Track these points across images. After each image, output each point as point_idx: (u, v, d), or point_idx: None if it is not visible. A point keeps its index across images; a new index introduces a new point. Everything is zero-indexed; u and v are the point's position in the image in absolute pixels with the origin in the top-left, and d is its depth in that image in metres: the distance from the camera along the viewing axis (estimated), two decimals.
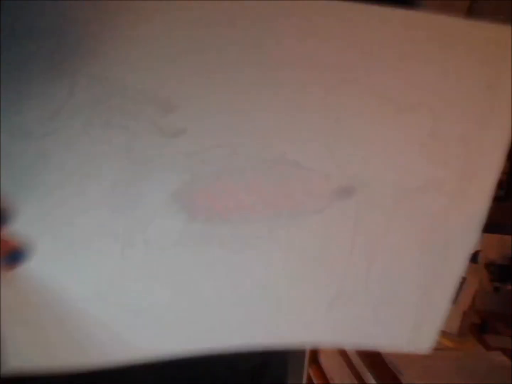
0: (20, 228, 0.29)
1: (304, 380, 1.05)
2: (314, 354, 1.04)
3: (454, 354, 0.83)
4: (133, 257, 0.32)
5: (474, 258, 0.84)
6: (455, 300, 0.75)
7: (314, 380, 1.01)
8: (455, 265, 0.37)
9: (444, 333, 0.85)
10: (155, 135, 0.29)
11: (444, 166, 0.34)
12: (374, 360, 0.79)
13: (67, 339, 0.33)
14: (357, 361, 0.81)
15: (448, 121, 0.33)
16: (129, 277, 0.33)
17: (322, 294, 0.37)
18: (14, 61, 0.26)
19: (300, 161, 0.32)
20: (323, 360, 1.02)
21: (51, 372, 0.32)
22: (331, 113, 0.31)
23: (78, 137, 0.28)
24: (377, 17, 0.30)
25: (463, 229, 0.36)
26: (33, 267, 0.30)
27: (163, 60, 0.28)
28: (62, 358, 0.33)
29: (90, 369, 0.33)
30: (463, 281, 0.81)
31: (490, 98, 0.32)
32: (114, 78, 0.28)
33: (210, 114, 0.30)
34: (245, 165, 0.32)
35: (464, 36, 0.31)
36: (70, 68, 0.27)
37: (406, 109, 0.32)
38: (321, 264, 0.36)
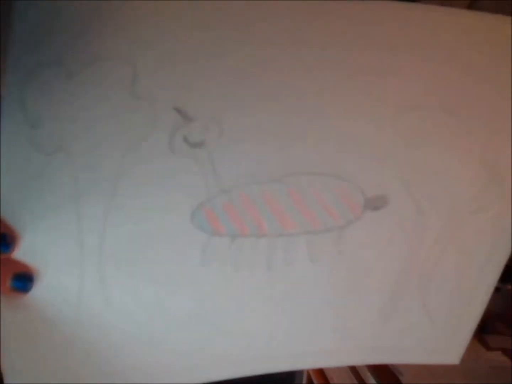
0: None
1: (304, 380, 1.05)
2: None
3: None
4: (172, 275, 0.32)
5: None
6: None
7: (314, 380, 1.01)
8: (491, 275, 0.37)
9: None
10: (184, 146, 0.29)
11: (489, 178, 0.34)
12: None
13: (83, 366, 0.31)
14: None
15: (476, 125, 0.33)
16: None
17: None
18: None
19: (351, 178, 0.32)
20: None
21: None
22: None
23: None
24: (379, 11, 0.29)
25: (499, 241, 0.36)
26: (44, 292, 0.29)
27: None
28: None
29: None
30: None
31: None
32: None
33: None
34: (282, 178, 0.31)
35: (467, 28, 0.30)
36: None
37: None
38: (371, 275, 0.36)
